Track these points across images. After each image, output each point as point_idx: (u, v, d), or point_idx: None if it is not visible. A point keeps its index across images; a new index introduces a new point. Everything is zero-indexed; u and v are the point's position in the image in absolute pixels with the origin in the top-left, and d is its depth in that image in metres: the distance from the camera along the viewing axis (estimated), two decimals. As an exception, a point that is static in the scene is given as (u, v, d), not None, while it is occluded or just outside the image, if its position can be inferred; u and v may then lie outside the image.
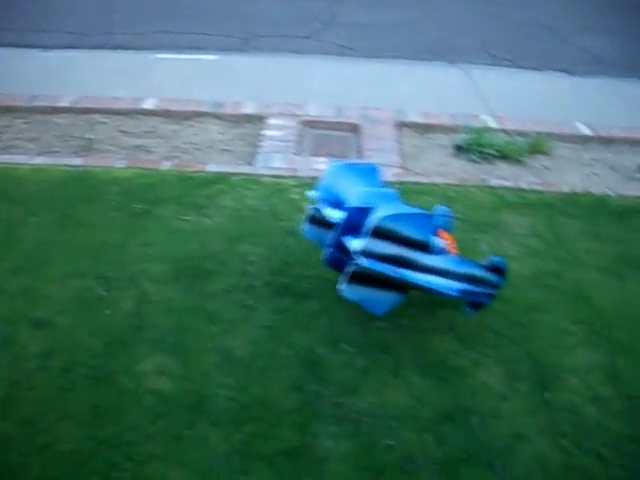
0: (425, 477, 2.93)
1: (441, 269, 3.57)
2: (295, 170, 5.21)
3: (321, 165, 5.27)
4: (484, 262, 3.74)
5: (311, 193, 3.85)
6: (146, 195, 4.81)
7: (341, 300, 3.70)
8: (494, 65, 8.39)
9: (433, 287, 3.55)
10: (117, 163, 5.26)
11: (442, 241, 3.76)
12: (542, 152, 5.96)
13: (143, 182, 4.98)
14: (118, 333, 3.59)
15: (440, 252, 3.68)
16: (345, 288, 3.41)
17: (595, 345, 3.73)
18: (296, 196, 4.80)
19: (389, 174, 5.19)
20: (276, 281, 3.98)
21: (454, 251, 3.81)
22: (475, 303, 3.74)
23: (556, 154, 6.01)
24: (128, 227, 4.45)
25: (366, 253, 3.33)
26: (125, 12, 9.33)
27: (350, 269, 3.37)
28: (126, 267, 4.08)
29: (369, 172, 3.88)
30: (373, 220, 3.30)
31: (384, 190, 3.73)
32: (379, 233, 3.32)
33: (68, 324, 3.63)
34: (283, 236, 4.22)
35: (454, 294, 3.53)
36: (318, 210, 3.76)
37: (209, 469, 2.92)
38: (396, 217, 3.35)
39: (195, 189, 4.91)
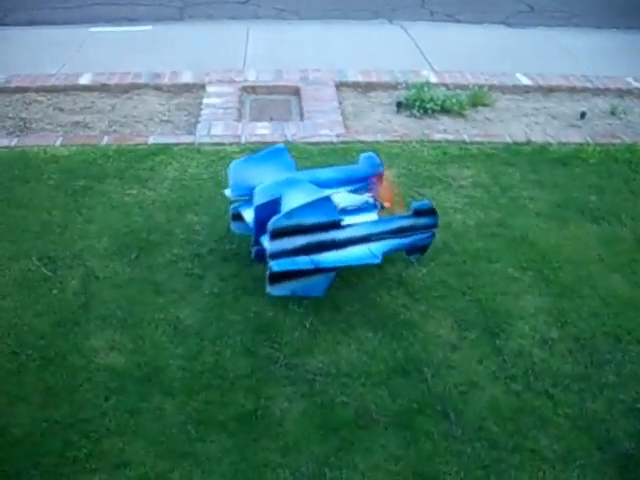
0: (381, 430, 2.96)
1: (363, 236, 3.60)
2: (237, 136, 5.17)
3: (263, 130, 5.26)
4: (408, 211, 3.75)
5: (226, 192, 3.90)
6: (87, 172, 4.73)
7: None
8: (433, 21, 8.42)
9: (353, 262, 3.59)
10: (55, 141, 5.14)
11: (368, 197, 3.80)
12: (483, 104, 6.00)
13: (83, 159, 4.90)
14: (66, 312, 3.53)
15: (369, 209, 3.75)
16: (271, 289, 3.54)
17: (542, 289, 3.79)
18: (239, 162, 4.76)
19: (332, 135, 5.19)
20: (222, 248, 3.96)
21: (389, 201, 3.83)
22: (416, 248, 3.80)
23: (497, 105, 6.06)
24: (70, 205, 4.37)
25: (274, 255, 3.42)
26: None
27: (267, 273, 3.49)
28: (70, 245, 4.01)
29: (276, 155, 3.91)
30: (269, 225, 3.37)
31: (287, 177, 3.73)
32: (279, 233, 3.39)
33: (13, 307, 3.56)
34: (227, 203, 4.16)
35: (377, 261, 3.55)
36: (238, 206, 3.84)
37: (166, 440, 2.90)
38: (291, 213, 3.40)
39: (137, 162, 4.84)
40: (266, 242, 3.48)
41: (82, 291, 3.67)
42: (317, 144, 5.08)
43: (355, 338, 3.40)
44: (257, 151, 4.16)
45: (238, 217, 3.86)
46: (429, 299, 3.65)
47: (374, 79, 6.29)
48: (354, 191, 3.87)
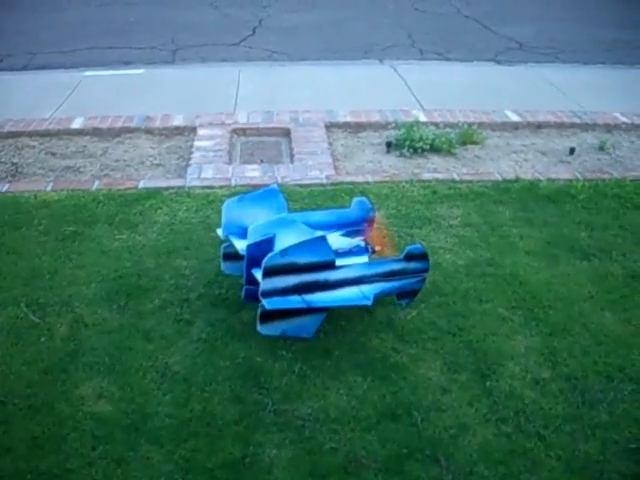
0: (370, 476, 2.92)
1: (355, 277, 3.60)
2: (227, 179, 5.18)
3: (253, 173, 5.27)
4: (400, 254, 3.74)
5: (218, 231, 3.91)
6: (77, 217, 4.74)
7: (277, 306, 3.73)
8: (423, 60, 8.50)
9: (345, 303, 3.60)
10: (46, 186, 5.15)
11: (359, 241, 3.81)
12: (473, 142, 6.04)
13: (74, 204, 4.91)
14: (54, 359, 3.51)
15: (360, 252, 3.75)
16: (261, 328, 3.52)
17: (532, 329, 3.78)
18: (229, 205, 4.78)
19: (322, 177, 5.21)
20: (210, 293, 3.95)
21: (380, 245, 3.83)
22: (406, 293, 3.78)
23: (487, 143, 6.10)
24: (60, 251, 4.37)
25: (266, 293, 3.40)
26: (51, 31, 9.22)
27: (257, 311, 3.48)
28: (60, 291, 4.00)
29: (268, 196, 3.93)
30: (263, 262, 3.36)
31: (281, 217, 3.76)
32: (272, 271, 3.38)
33: (1, 355, 3.54)
34: (216, 247, 4.18)
35: (369, 303, 3.53)
36: (230, 246, 3.82)
37: (152, 489, 2.88)
38: (285, 251, 3.39)
39: (127, 207, 4.85)
40: (259, 277, 3.45)
41: (70, 338, 3.65)
42: (307, 186, 5.10)
43: (344, 383, 3.37)
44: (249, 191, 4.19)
45: (229, 257, 3.86)
46: (419, 341, 3.63)
47: (364, 119, 6.34)
48: (345, 235, 3.88)
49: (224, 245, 3.90)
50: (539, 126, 6.49)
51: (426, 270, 3.78)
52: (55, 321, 3.77)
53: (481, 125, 6.28)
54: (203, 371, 3.43)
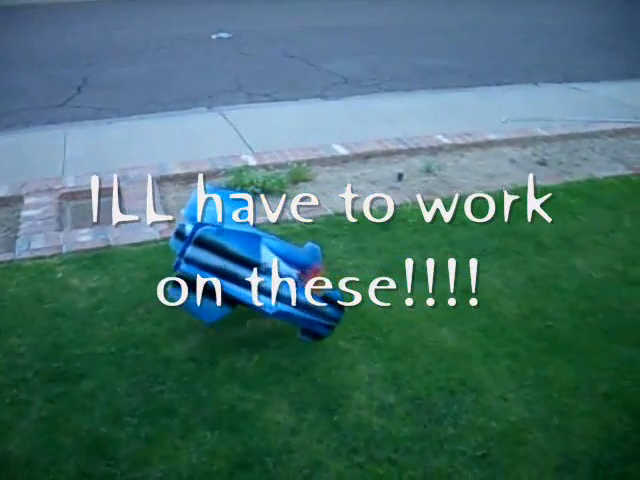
0: (226, 531, 2.91)
1: (269, 290, 3.62)
2: (58, 247, 4.99)
3: (84, 237, 5.12)
4: (320, 293, 3.77)
5: (182, 211, 4.13)
6: None
7: (117, 374, 3.66)
8: (251, 103, 8.64)
9: (251, 302, 3.65)
10: None
11: (297, 275, 3.82)
12: (304, 179, 6.16)
13: None
14: None
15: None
16: (170, 290, 3.57)
17: (374, 356, 3.88)
18: (61, 274, 4.63)
19: (155, 233, 5.15)
20: (48, 367, 3.79)
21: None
22: (311, 332, 3.87)
23: (318, 179, 6.25)
24: None
25: (189, 260, 3.55)
26: None
27: (174, 273, 3.61)
28: None
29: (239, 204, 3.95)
30: (198, 230, 3.51)
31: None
32: (202, 244, 3.54)
33: None
34: (51, 319, 4.06)
35: (270, 312, 3.65)
36: (183, 226, 3.90)
37: None
38: (221, 231, 3.53)
39: (-48, 288, 4.61)
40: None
41: None
42: (141, 244, 5.02)
43: (193, 440, 3.32)
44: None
45: (179, 235, 3.90)
46: (264, 386, 3.64)
47: (194, 169, 6.29)
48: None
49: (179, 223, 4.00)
50: (367, 156, 6.73)
51: (338, 320, 3.88)
52: None
53: (311, 162, 6.43)
54: (45, 451, 3.28)
